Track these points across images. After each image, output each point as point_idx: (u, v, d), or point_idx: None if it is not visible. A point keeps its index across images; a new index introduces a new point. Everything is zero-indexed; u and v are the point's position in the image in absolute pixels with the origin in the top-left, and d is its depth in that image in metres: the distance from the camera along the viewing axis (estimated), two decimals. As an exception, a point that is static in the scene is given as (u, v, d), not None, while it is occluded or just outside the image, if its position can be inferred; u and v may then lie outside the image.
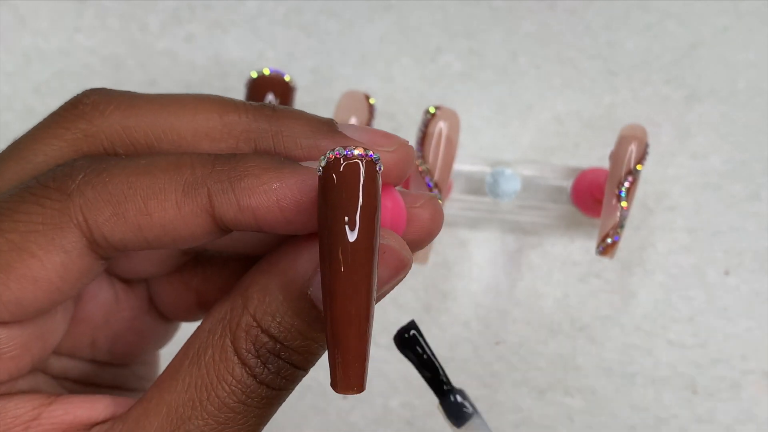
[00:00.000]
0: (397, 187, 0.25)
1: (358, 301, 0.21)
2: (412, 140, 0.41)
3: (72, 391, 0.28)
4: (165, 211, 0.23)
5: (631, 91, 0.47)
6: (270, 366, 0.24)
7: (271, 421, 0.41)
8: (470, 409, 0.21)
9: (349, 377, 0.22)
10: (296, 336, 0.24)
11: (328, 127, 0.25)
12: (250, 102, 0.25)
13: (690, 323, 0.45)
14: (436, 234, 0.26)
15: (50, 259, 0.23)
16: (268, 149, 0.25)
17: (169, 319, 0.30)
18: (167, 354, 0.33)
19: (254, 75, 0.40)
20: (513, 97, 0.47)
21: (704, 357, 0.45)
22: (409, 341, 0.21)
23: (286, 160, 0.24)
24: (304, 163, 0.24)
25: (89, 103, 0.25)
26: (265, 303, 0.24)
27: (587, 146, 0.47)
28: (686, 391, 0.45)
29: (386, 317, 0.45)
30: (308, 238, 0.24)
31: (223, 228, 0.24)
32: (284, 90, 0.40)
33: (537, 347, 0.45)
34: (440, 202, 0.25)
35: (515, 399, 0.45)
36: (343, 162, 0.22)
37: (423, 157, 0.39)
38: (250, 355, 0.23)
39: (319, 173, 0.22)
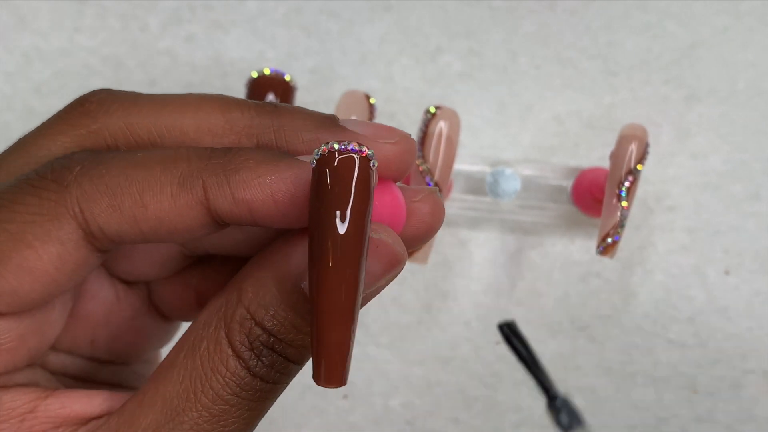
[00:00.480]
0: (397, 183, 0.25)
1: (343, 295, 0.21)
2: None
3: (71, 388, 0.28)
4: (160, 203, 0.23)
5: (631, 91, 0.47)
6: (264, 359, 0.24)
7: (271, 422, 0.41)
8: (582, 418, 0.21)
9: (331, 371, 0.22)
10: (290, 329, 0.24)
11: (330, 121, 0.25)
12: (253, 101, 0.25)
13: (690, 323, 0.45)
14: (437, 228, 0.26)
15: (46, 250, 0.24)
16: (269, 144, 0.25)
17: (169, 319, 0.30)
18: (165, 352, 0.33)
19: (255, 75, 0.40)
20: (513, 97, 0.47)
21: (704, 357, 0.45)
22: (516, 334, 0.21)
23: (282, 154, 0.24)
24: (301, 158, 0.24)
25: (95, 101, 0.26)
26: (259, 296, 0.24)
27: (587, 146, 0.47)
28: (686, 390, 0.45)
29: (386, 317, 0.45)
30: (303, 232, 0.24)
31: (219, 221, 0.24)
32: (285, 90, 0.40)
33: (537, 347, 0.45)
34: (440, 196, 0.25)
35: (515, 399, 0.45)
36: (338, 156, 0.22)
37: (423, 156, 0.39)
38: (243, 347, 0.24)
39: (313, 165, 0.22)
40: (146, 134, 0.25)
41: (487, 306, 0.46)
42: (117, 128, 0.25)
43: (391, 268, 0.24)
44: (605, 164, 0.42)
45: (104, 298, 0.28)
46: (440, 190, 0.39)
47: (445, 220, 0.47)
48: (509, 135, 0.47)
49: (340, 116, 0.40)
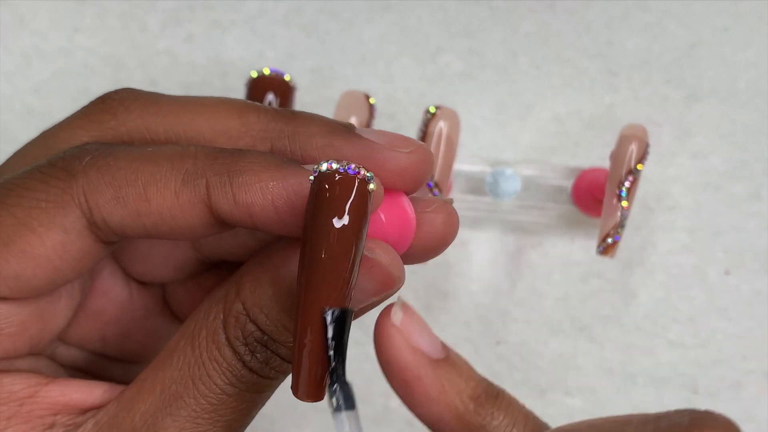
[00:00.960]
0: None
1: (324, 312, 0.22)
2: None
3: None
4: (163, 199, 0.23)
5: (631, 91, 0.47)
6: (258, 355, 0.24)
7: (271, 421, 0.41)
8: (354, 404, 0.22)
9: (309, 385, 0.22)
10: (282, 330, 0.24)
11: (345, 129, 0.25)
12: (271, 107, 0.26)
13: (690, 323, 0.45)
14: (451, 240, 0.26)
15: (50, 237, 0.24)
16: (283, 149, 0.25)
17: (182, 321, 0.30)
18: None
19: (254, 75, 0.40)
20: (513, 97, 0.47)
21: (705, 357, 0.45)
22: (344, 320, 0.22)
23: (289, 160, 0.24)
24: (307, 166, 0.24)
25: (117, 99, 0.26)
26: (255, 294, 0.24)
27: (587, 146, 0.47)
28: (686, 391, 0.45)
29: (386, 317, 0.45)
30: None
31: (221, 222, 0.24)
32: (284, 90, 0.40)
33: (537, 347, 0.45)
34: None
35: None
36: (337, 177, 0.22)
37: (423, 156, 0.39)
38: (238, 341, 0.24)
39: (311, 181, 0.22)
40: (163, 133, 0.25)
41: (487, 306, 0.46)
42: (135, 126, 0.25)
43: (384, 289, 0.24)
44: (605, 164, 0.42)
45: (117, 296, 0.29)
46: (440, 190, 0.39)
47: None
48: (509, 135, 0.47)
49: (340, 116, 0.40)
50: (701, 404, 0.45)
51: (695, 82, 0.47)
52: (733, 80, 0.47)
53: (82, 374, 0.29)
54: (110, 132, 0.26)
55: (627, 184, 0.40)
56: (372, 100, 0.40)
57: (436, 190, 0.39)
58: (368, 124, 0.40)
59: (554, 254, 0.46)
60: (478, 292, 0.46)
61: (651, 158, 0.45)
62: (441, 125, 0.39)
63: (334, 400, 0.21)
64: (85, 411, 0.25)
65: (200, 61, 0.47)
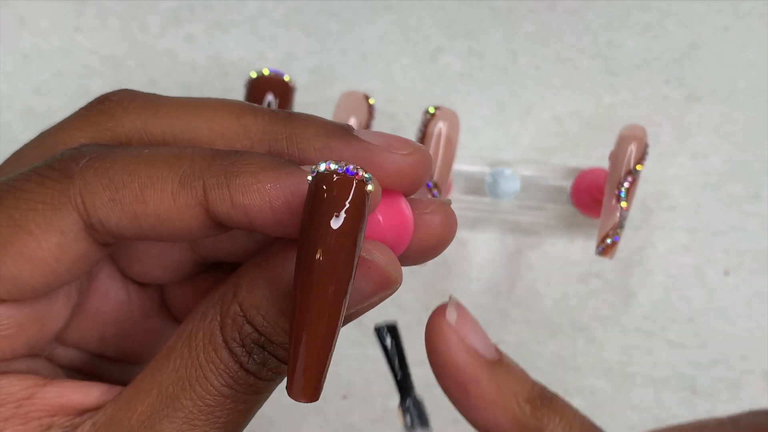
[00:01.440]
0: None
1: (324, 314, 0.21)
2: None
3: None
4: (160, 201, 0.23)
5: (631, 91, 0.47)
6: (255, 357, 0.24)
7: (270, 421, 0.41)
8: (428, 422, 0.22)
9: (304, 385, 0.22)
10: (279, 332, 0.24)
11: (343, 130, 0.25)
12: (269, 108, 0.26)
13: (690, 323, 0.45)
14: (449, 240, 0.26)
15: (47, 239, 0.24)
16: (281, 150, 0.25)
17: (180, 322, 0.30)
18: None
19: (254, 75, 0.40)
20: (513, 97, 0.47)
21: (704, 357, 0.45)
22: (393, 334, 0.22)
23: (287, 161, 0.24)
24: (305, 167, 0.24)
25: (115, 100, 0.26)
26: (252, 296, 0.24)
27: (587, 146, 0.47)
28: (686, 391, 0.45)
29: (386, 317, 0.45)
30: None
31: (218, 224, 0.24)
32: (284, 90, 0.40)
33: (537, 347, 0.45)
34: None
35: None
36: (335, 177, 0.22)
37: (422, 157, 0.39)
38: (235, 343, 0.24)
39: (309, 181, 0.22)
40: (161, 135, 0.25)
41: (486, 306, 0.46)
42: (133, 128, 0.25)
43: (381, 289, 0.24)
44: (605, 165, 0.42)
45: (115, 297, 0.29)
46: (440, 191, 0.39)
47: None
48: (509, 135, 0.47)
49: (340, 116, 0.40)
50: (700, 404, 0.45)
51: (695, 82, 0.47)
52: (733, 80, 0.47)
53: (80, 375, 0.29)
54: (108, 133, 0.26)
55: (626, 184, 0.40)
56: (371, 101, 0.40)
57: (435, 191, 0.39)
58: (368, 125, 0.40)
59: (553, 255, 0.46)
60: (478, 293, 0.46)
61: (650, 158, 0.45)
62: (440, 125, 0.39)
63: (407, 418, 0.21)
64: (83, 412, 0.25)
65: (200, 61, 0.47)
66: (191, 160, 0.24)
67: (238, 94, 0.43)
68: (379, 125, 0.45)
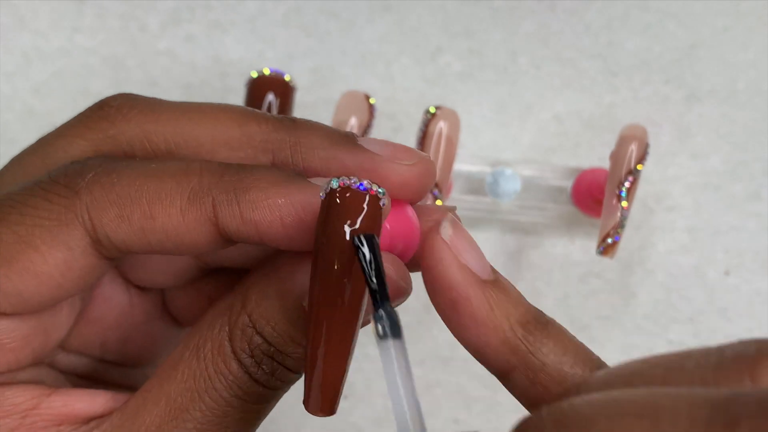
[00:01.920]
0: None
1: (340, 328, 0.22)
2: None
3: (78, 386, 0.28)
4: (169, 217, 0.23)
5: (631, 91, 0.47)
6: (264, 366, 0.24)
7: (271, 421, 0.41)
8: (400, 332, 0.21)
9: (322, 399, 0.22)
10: (288, 342, 0.24)
11: (347, 139, 0.25)
12: (272, 114, 0.25)
13: (690, 323, 0.45)
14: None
15: (53, 255, 0.24)
16: (285, 160, 0.25)
17: (182, 325, 0.30)
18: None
19: (254, 75, 0.40)
20: (513, 97, 0.47)
21: (704, 357, 0.45)
22: (370, 243, 0.21)
23: (295, 175, 0.24)
24: (314, 180, 0.24)
25: (114, 106, 0.26)
26: (262, 306, 0.24)
27: (587, 146, 0.47)
28: (686, 391, 0.45)
29: (386, 317, 0.45)
30: (309, 253, 0.24)
31: (227, 238, 0.24)
32: (284, 90, 0.40)
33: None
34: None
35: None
36: (348, 194, 0.22)
37: (423, 157, 0.39)
38: (244, 353, 0.24)
39: (322, 197, 0.22)
40: (162, 143, 0.25)
41: (487, 306, 0.46)
42: (134, 135, 0.25)
43: (392, 301, 0.24)
44: (605, 164, 0.42)
45: (117, 302, 0.29)
46: (440, 191, 0.39)
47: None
48: (509, 135, 0.47)
49: (340, 116, 0.40)
50: (701, 404, 0.45)
51: (695, 83, 0.47)
52: (733, 80, 0.47)
53: (82, 380, 0.28)
54: (108, 141, 0.25)
55: (627, 184, 0.40)
56: (372, 101, 0.40)
57: (436, 190, 0.39)
58: (368, 125, 0.40)
59: (554, 254, 0.46)
60: (478, 292, 0.46)
61: (651, 158, 0.45)
62: (441, 125, 0.39)
63: (379, 327, 0.21)
64: (89, 420, 0.25)
65: (200, 61, 0.47)
66: (199, 175, 0.23)
67: (239, 94, 0.43)
68: (379, 125, 0.45)
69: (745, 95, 0.47)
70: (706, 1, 0.48)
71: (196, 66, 0.47)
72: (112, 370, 0.29)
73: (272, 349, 0.24)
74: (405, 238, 0.24)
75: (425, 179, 0.25)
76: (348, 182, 0.22)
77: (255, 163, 0.25)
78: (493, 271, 0.24)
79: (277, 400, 0.25)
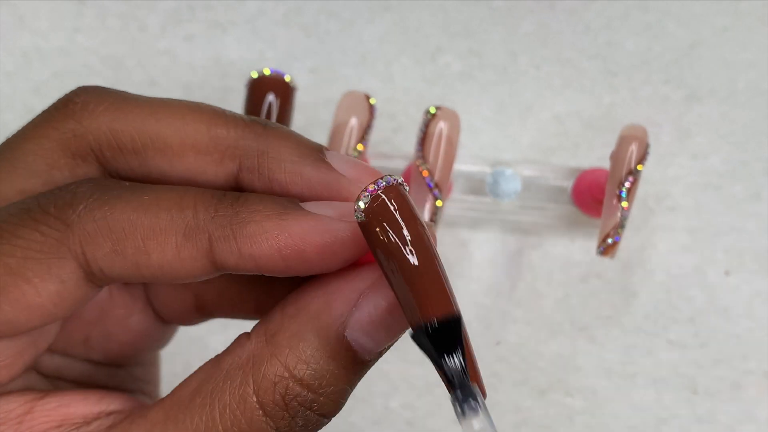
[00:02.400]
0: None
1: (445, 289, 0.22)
2: (413, 140, 0.41)
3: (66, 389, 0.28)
4: (164, 253, 0.23)
5: (631, 91, 0.47)
6: (299, 419, 0.23)
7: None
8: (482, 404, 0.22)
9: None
10: (331, 381, 0.23)
11: (315, 154, 0.25)
12: (242, 116, 0.25)
13: (690, 323, 0.45)
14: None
15: (45, 287, 0.23)
16: (251, 167, 0.25)
17: (164, 321, 0.30)
18: (165, 354, 0.33)
19: (254, 75, 0.40)
20: (513, 97, 0.47)
21: (705, 357, 0.45)
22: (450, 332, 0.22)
23: (291, 203, 0.24)
24: (309, 207, 0.24)
25: (79, 102, 0.25)
26: (299, 350, 0.23)
27: (587, 146, 0.47)
28: (686, 391, 0.45)
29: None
30: (338, 279, 0.24)
31: (222, 270, 0.24)
32: (284, 90, 0.40)
33: (537, 347, 0.45)
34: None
35: (515, 399, 0.45)
36: (376, 205, 0.22)
37: (423, 157, 0.39)
38: (278, 408, 0.23)
39: (361, 220, 0.23)
40: (129, 142, 0.25)
41: (487, 306, 0.46)
42: (100, 133, 0.25)
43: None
44: (605, 165, 0.42)
45: (98, 297, 0.28)
46: (440, 191, 0.39)
47: (445, 220, 0.47)
48: (509, 135, 0.47)
49: (341, 117, 0.40)
50: (701, 405, 0.45)
51: (695, 82, 0.47)
52: (733, 80, 0.47)
53: (68, 383, 0.28)
54: (76, 141, 0.25)
55: (627, 184, 0.40)
56: (372, 101, 0.40)
57: (436, 191, 0.39)
58: (368, 125, 0.40)
59: (554, 255, 0.46)
60: (478, 293, 0.46)
61: (651, 159, 0.45)
62: (441, 126, 0.39)
63: (457, 407, 0.21)
64: (89, 419, 0.25)
65: (200, 61, 0.47)
66: (194, 209, 0.23)
67: (239, 94, 0.43)
68: (379, 125, 0.45)
69: (745, 95, 0.47)
70: (706, 1, 0.48)
71: (196, 66, 0.47)
72: (97, 371, 0.29)
73: (310, 396, 0.23)
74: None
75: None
76: (363, 201, 0.22)
77: (221, 168, 0.25)
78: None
79: None
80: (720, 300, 0.45)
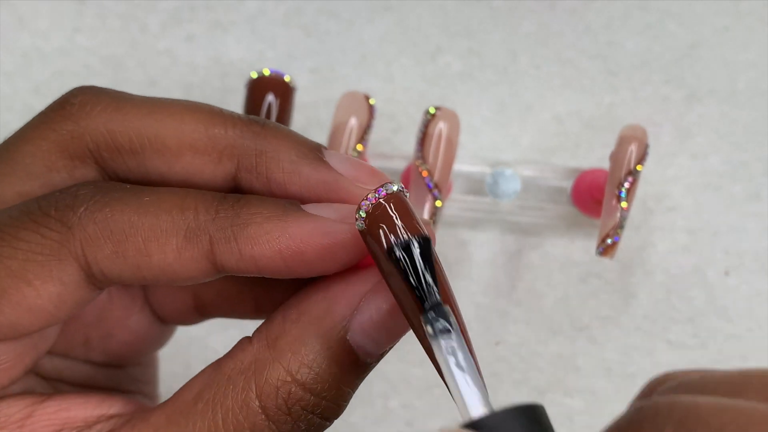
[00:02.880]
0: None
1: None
2: (413, 141, 0.41)
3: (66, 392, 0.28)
4: (165, 255, 0.23)
5: (631, 91, 0.47)
6: (301, 423, 0.23)
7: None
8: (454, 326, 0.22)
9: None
10: (333, 385, 0.23)
11: (313, 154, 0.25)
12: (240, 115, 0.25)
13: (690, 324, 0.45)
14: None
15: (46, 289, 0.23)
16: (249, 167, 0.25)
17: (163, 321, 0.30)
18: (165, 354, 0.33)
19: (254, 75, 0.40)
20: (513, 97, 0.47)
21: (704, 358, 0.45)
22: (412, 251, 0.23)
23: (291, 205, 0.24)
24: (310, 209, 0.24)
25: (76, 103, 0.25)
26: (301, 354, 0.23)
27: (587, 147, 0.47)
28: (686, 391, 0.45)
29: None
30: (339, 282, 0.24)
31: (223, 271, 0.24)
32: (284, 90, 0.40)
33: (537, 347, 0.45)
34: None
35: (515, 399, 0.45)
36: (378, 212, 0.23)
37: (423, 157, 0.39)
38: (281, 412, 0.23)
39: (362, 228, 0.23)
40: (127, 143, 0.25)
41: (486, 306, 0.46)
42: (98, 134, 0.25)
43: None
44: (605, 165, 0.42)
45: (97, 298, 0.28)
46: (440, 191, 0.39)
47: (444, 220, 0.47)
48: (509, 135, 0.47)
49: (340, 117, 0.40)
50: (701, 404, 0.45)
51: (695, 82, 0.47)
52: (733, 80, 0.47)
53: (68, 385, 0.28)
54: (74, 141, 0.25)
55: (626, 184, 0.40)
56: (372, 101, 0.40)
57: (436, 191, 0.39)
58: (368, 125, 0.40)
59: (554, 255, 0.46)
60: (478, 293, 0.46)
61: (651, 159, 0.45)
62: (441, 126, 0.39)
63: (428, 327, 0.21)
64: (90, 422, 0.25)
65: (200, 61, 0.47)
66: (195, 211, 0.23)
67: (239, 94, 0.43)
68: (379, 125, 0.45)
69: (745, 95, 0.47)
70: (706, 1, 0.48)
71: (196, 66, 0.47)
72: (97, 373, 0.29)
73: (313, 399, 0.23)
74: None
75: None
76: (364, 211, 0.23)
77: (219, 168, 0.25)
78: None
79: None
80: (720, 300, 0.45)
